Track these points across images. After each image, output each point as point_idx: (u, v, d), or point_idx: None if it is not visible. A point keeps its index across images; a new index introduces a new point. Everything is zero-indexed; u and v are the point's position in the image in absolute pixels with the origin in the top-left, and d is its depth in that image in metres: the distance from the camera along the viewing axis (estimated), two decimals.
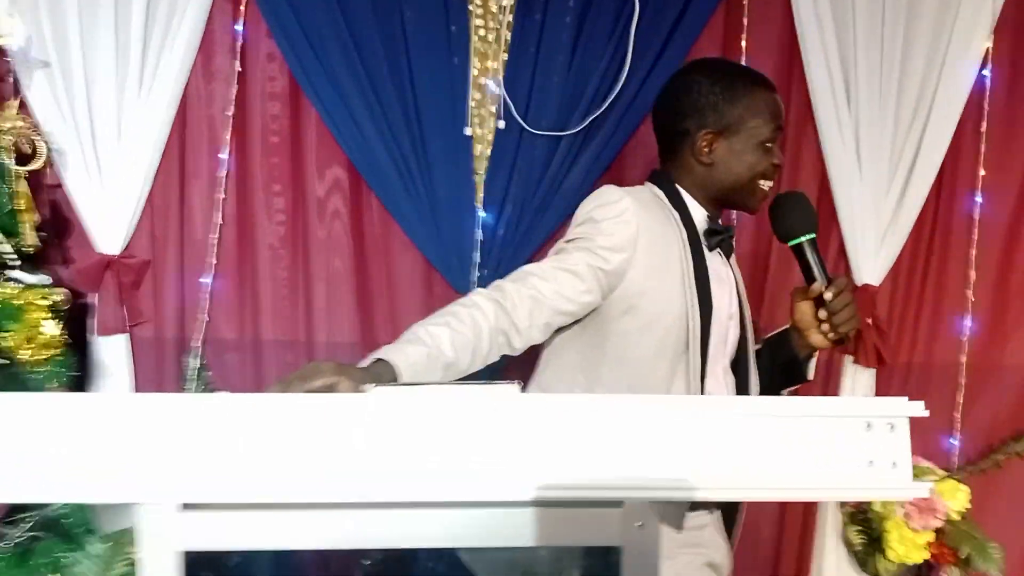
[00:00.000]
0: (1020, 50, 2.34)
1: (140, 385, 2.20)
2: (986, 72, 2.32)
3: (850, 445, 0.72)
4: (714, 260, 1.58)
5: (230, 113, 2.22)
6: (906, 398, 0.74)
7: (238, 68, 2.21)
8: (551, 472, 0.75)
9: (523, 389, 0.87)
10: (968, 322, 2.36)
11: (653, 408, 0.74)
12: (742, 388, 1.61)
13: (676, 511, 0.80)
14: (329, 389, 1.07)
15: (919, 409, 0.73)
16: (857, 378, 2.32)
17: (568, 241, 1.51)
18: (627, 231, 1.47)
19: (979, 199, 2.35)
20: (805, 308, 1.55)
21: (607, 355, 1.52)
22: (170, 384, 2.22)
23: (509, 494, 0.74)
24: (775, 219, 1.57)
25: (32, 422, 0.69)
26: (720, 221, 1.64)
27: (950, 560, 2.11)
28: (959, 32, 2.27)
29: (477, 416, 0.78)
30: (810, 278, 1.52)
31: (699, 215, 1.59)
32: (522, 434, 0.76)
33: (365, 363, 1.25)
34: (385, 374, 1.21)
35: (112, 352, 2.15)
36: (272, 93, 2.26)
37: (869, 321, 2.27)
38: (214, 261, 2.23)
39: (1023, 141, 2.37)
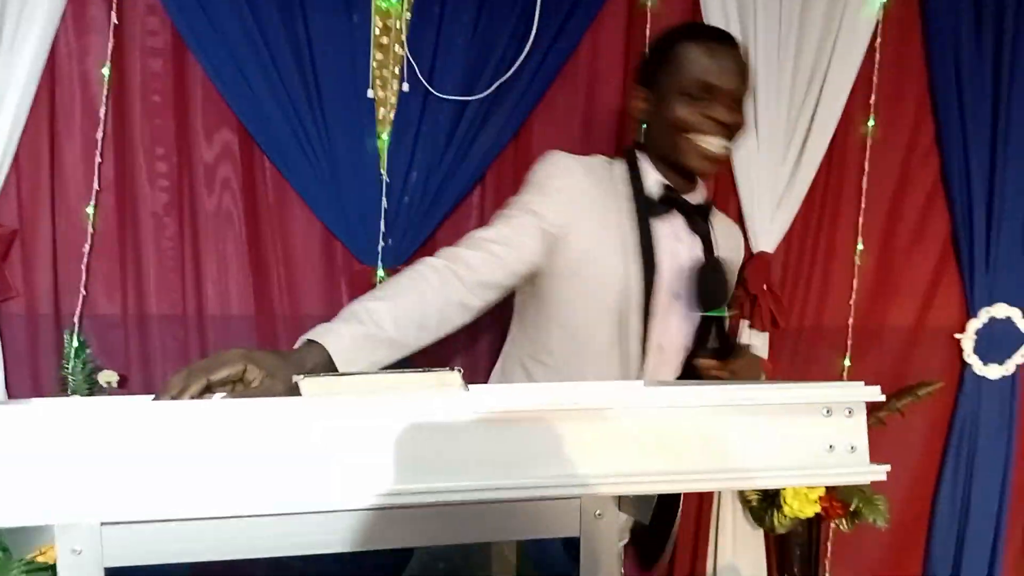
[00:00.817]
0: (909, 23, 2.43)
1: (11, 366, 2.02)
2: (876, 44, 2.39)
3: (810, 431, 0.72)
4: (668, 227, 1.56)
5: (106, 70, 2.04)
6: (863, 383, 0.74)
7: (114, 20, 2.03)
8: (506, 468, 0.71)
9: (464, 376, 0.82)
10: (855, 287, 2.47)
11: (611, 397, 0.71)
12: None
13: (644, 503, 0.78)
14: (237, 378, 1.00)
15: (876, 394, 0.74)
16: (753, 341, 2.39)
17: (513, 206, 1.52)
18: (567, 195, 1.50)
19: (867, 168, 2.44)
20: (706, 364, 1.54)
21: (552, 321, 1.54)
22: (46, 364, 2.05)
23: (460, 493, 0.70)
24: (701, 284, 1.54)
25: None
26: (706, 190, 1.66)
27: (840, 512, 2.22)
28: (853, 2, 2.33)
29: (420, 411, 0.73)
30: (717, 346, 1.53)
31: (652, 180, 1.58)
32: (472, 429, 0.72)
33: (296, 346, 1.18)
34: (310, 359, 1.14)
35: None
36: (153, 48, 2.08)
37: (764, 287, 2.34)
38: (91, 230, 2.06)
39: (908, 116, 2.48)
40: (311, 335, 1.19)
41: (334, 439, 0.68)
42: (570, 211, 1.49)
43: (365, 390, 0.79)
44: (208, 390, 0.98)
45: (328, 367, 1.13)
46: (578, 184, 1.51)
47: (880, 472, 0.75)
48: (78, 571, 0.62)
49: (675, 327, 1.58)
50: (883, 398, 0.76)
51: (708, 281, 1.52)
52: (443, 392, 0.80)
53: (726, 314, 1.52)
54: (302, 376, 0.78)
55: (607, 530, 0.72)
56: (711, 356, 1.52)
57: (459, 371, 0.84)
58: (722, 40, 1.56)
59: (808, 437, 0.72)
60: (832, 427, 0.72)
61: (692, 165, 1.54)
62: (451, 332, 1.42)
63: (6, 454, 0.61)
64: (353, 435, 0.68)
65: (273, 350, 1.14)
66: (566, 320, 1.52)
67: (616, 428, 0.71)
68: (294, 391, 0.78)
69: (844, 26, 2.33)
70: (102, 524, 0.63)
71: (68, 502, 0.61)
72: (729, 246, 1.72)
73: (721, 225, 1.74)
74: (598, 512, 0.72)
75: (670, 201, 1.56)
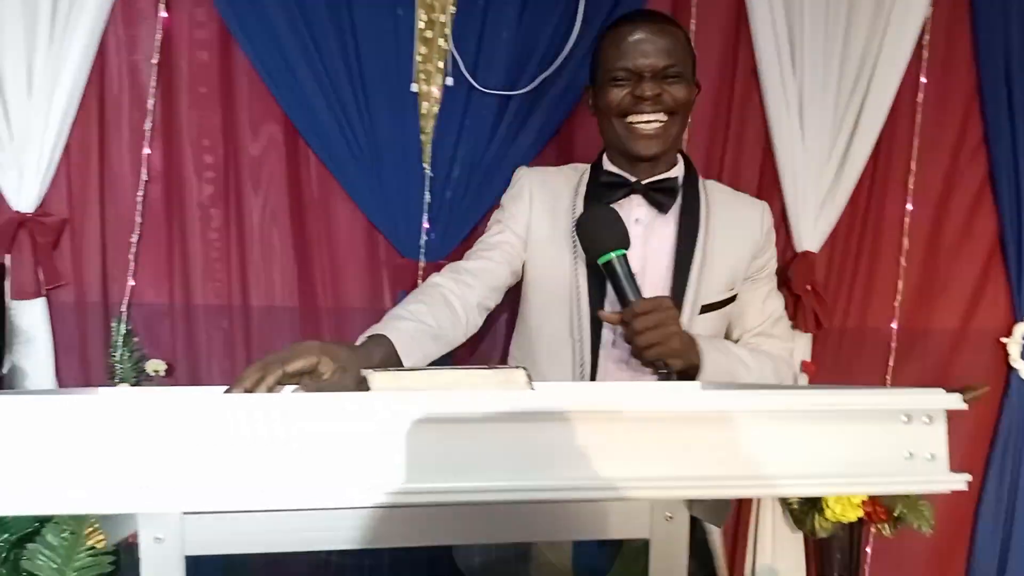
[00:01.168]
0: (957, 21, 2.38)
1: (60, 353, 2.06)
2: (924, 42, 2.35)
3: (889, 438, 0.71)
4: (624, 215, 1.51)
5: (155, 61, 2.06)
6: (943, 390, 0.73)
7: (163, 12, 2.05)
8: (574, 467, 0.71)
9: (528, 376, 0.82)
10: (900, 288, 2.43)
11: (685, 399, 0.70)
12: None
13: (718, 508, 0.78)
14: (310, 370, 1.01)
15: (957, 402, 0.72)
16: (796, 342, 2.36)
17: (490, 222, 1.69)
18: (521, 204, 1.63)
19: (913, 167, 2.40)
20: (605, 317, 1.49)
21: (528, 327, 1.62)
22: (94, 352, 2.08)
23: (532, 492, 0.70)
24: (582, 236, 1.51)
25: (19, 426, 0.60)
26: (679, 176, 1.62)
27: (883, 517, 2.18)
28: (901, 1, 2.29)
29: (488, 408, 0.73)
30: (623, 299, 1.43)
31: (606, 169, 1.62)
32: (541, 426, 0.72)
33: (358, 343, 1.20)
34: (376, 352, 1.17)
35: (30, 317, 2.01)
36: (200, 40, 2.11)
37: (808, 287, 2.31)
38: (139, 220, 2.09)
39: (956, 115, 2.43)
40: (371, 331, 1.26)
41: (409, 433, 0.68)
42: (528, 216, 1.60)
43: (432, 385, 0.79)
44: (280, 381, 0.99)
45: (391, 359, 1.17)
46: (536, 190, 1.63)
47: (960, 481, 0.73)
48: (160, 559, 0.62)
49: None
50: (965, 407, 0.74)
51: (586, 228, 1.50)
52: (509, 389, 0.80)
53: (612, 257, 1.42)
54: (371, 370, 0.79)
55: (677, 533, 0.72)
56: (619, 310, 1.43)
57: (524, 369, 0.84)
58: (641, 20, 1.57)
59: (886, 444, 0.71)
60: (911, 434, 0.71)
61: (631, 146, 1.55)
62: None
63: (93, 443, 0.62)
64: (425, 430, 0.68)
65: (344, 343, 1.15)
66: (534, 326, 1.60)
67: (690, 430, 0.70)
68: (363, 384, 0.79)
69: (892, 24, 2.29)
70: (184, 513, 0.64)
71: (151, 491, 0.62)
72: (733, 220, 1.64)
73: (724, 197, 1.68)
74: (668, 515, 0.71)
75: (618, 185, 1.57)
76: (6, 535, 1.42)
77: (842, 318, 2.43)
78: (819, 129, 2.29)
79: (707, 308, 1.58)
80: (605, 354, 1.53)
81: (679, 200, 1.60)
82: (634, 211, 1.57)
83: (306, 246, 2.16)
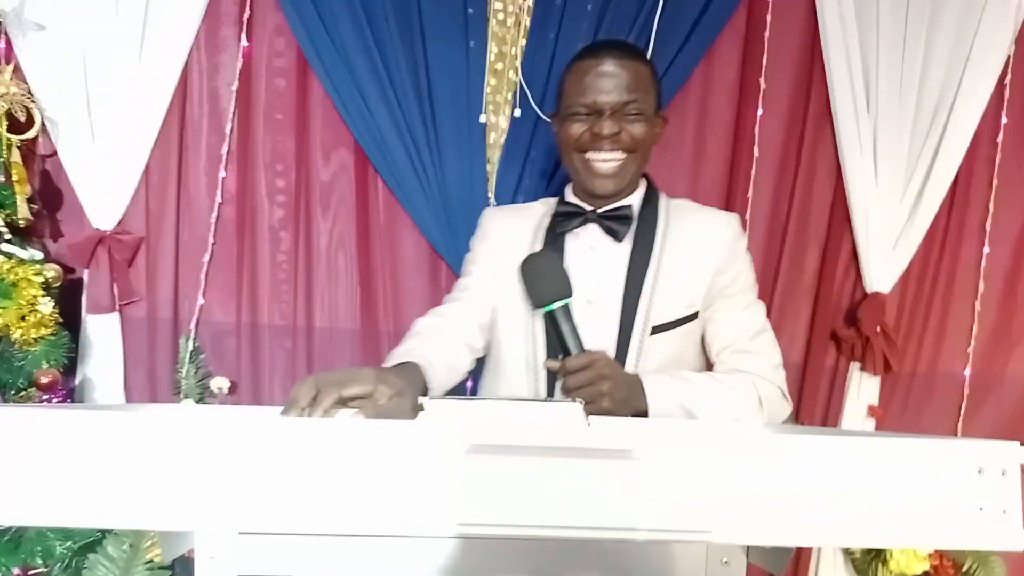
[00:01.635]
0: None
1: (130, 367, 2.12)
2: (1006, 81, 2.28)
3: (960, 490, 0.68)
4: (580, 240, 1.56)
5: (234, 88, 2.13)
6: (1018, 443, 0.69)
7: (244, 41, 2.13)
8: (631, 508, 0.70)
9: (585, 411, 0.82)
10: (974, 332, 2.34)
11: (747, 441, 0.69)
12: None
13: (777, 556, 0.76)
14: (366, 397, 1.01)
15: None
16: (863, 385, 2.30)
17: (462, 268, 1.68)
18: (486, 245, 1.63)
19: (991, 210, 2.32)
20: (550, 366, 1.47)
21: (498, 364, 1.59)
22: (162, 367, 2.15)
23: (585, 530, 0.69)
24: (525, 284, 1.49)
25: (81, 441, 0.62)
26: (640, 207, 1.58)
27: (950, 572, 2.10)
28: (981, 39, 2.23)
29: (546, 441, 0.72)
30: (564, 350, 1.40)
31: (566, 200, 1.61)
32: (595, 463, 0.71)
33: (388, 365, 1.21)
34: (417, 379, 1.18)
35: (103, 332, 2.08)
36: (279, 68, 2.18)
37: (878, 329, 2.25)
38: (212, 241, 2.16)
39: None
40: (398, 358, 1.32)
41: (466, 465, 0.68)
42: (493, 256, 1.59)
43: (489, 416, 0.79)
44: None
45: (424, 389, 1.20)
46: (499, 231, 1.62)
47: None
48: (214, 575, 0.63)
49: (594, 341, 1.47)
50: None
51: (528, 277, 1.48)
52: (565, 424, 0.79)
53: (554, 308, 1.40)
54: (427, 398, 0.79)
55: None
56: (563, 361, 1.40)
57: (580, 402, 0.83)
58: (603, 54, 1.52)
59: (957, 497, 0.68)
60: (983, 488, 0.68)
61: (588, 183, 1.54)
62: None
63: (153, 460, 0.63)
64: (483, 463, 0.68)
65: (397, 370, 1.17)
66: (502, 362, 1.57)
67: (750, 473, 0.68)
68: (417, 412, 0.79)
69: (972, 62, 2.23)
70: (239, 533, 0.65)
71: (208, 510, 0.63)
72: (694, 236, 1.57)
73: (687, 214, 1.61)
74: (725, 560, 0.70)
75: (575, 215, 1.57)
76: (70, 543, 1.46)
77: (912, 362, 2.36)
78: (893, 168, 2.23)
79: (660, 328, 1.52)
80: (560, 396, 1.48)
81: (635, 225, 1.57)
82: (589, 239, 1.57)
83: (370, 270, 2.20)
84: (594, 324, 1.50)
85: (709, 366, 1.61)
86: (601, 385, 1.34)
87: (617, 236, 1.55)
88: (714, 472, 0.68)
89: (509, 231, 1.61)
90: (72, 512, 0.62)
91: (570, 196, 1.63)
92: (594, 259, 1.55)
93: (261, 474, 0.64)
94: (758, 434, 0.68)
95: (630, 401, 1.38)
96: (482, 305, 1.57)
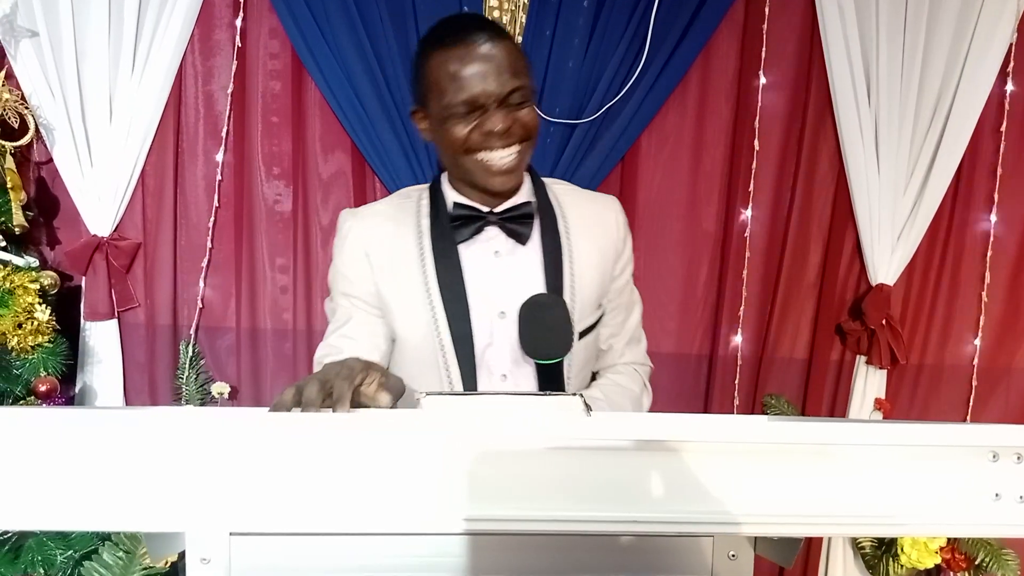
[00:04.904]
0: None
1: (130, 373, 2.11)
2: (1008, 69, 2.26)
3: (974, 477, 0.66)
4: (481, 246, 1.37)
5: (229, 91, 2.12)
6: None
7: (238, 44, 2.11)
8: (632, 500, 0.68)
9: (585, 404, 0.79)
10: (981, 324, 2.32)
11: (753, 431, 0.67)
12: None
13: (785, 548, 0.73)
14: (374, 381, 0.98)
15: None
16: (869, 378, 2.27)
17: (331, 289, 1.43)
18: (360, 268, 1.37)
19: (996, 199, 2.30)
20: None
21: (407, 387, 1.36)
22: (162, 373, 2.13)
23: (589, 523, 0.67)
24: (530, 330, 1.30)
25: (67, 442, 0.61)
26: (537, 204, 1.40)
27: (962, 566, 2.07)
28: (982, 28, 2.21)
29: (547, 435, 0.70)
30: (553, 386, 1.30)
31: (451, 202, 1.38)
32: (598, 456, 0.69)
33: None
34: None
35: (101, 338, 2.06)
36: (273, 71, 2.16)
37: (884, 322, 2.23)
38: (210, 245, 2.14)
39: None
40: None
41: (465, 459, 0.66)
42: (377, 285, 1.36)
43: (487, 411, 0.77)
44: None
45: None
46: (377, 243, 1.37)
47: None
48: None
49: (517, 355, 1.35)
50: None
51: (531, 324, 1.29)
52: (566, 416, 0.77)
53: (550, 363, 1.28)
54: (424, 393, 0.77)
55: (741, 573, 0.68)
56: None
57: (580, 395, 0.81)
58: (470, 38, 1.27)
59: (971, 483, 0.66)
60: (998, 474, 0.66)
61: (486, 184, 1.33)
62: None
63: (143, 462, 0.61)
64: (481, 457, 0.66)
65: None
66: (411, 384, 1.34)
67: (757, 463, 0.66)
68: (411, 407, 0.77)
69: (973, 51, 2.21)
70: (231, 534, 0.63)
71: (199, 511, 0.61)
72: (590, 225, 1.45)
73: (575, 201, 1.47)
74: (732, 553, 0.68)
75: (471, 219, 1.37)
76: (70, 552, 1.44)
77: (919, 354, 2.33)
78: (895, 160, 2.21)
79: (583, 334, 1.41)
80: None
81: (537, 222, 1.40)
82: (491, 244, 1.38)
83: None
84: (508, 342, 1.36)
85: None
86: None
87: (521, 239, 1.38)
88: (720, 463, 0.66)
89: (390, 247, 1.37)
90: (57, 514, 0.60)
91: (454, 195, 1.39)
92: (500, 267, 1.37)
93: (251, 474, 0.63)
94: (760, 423, 0.66)
95: None
96: (379, 342, 1.37)
